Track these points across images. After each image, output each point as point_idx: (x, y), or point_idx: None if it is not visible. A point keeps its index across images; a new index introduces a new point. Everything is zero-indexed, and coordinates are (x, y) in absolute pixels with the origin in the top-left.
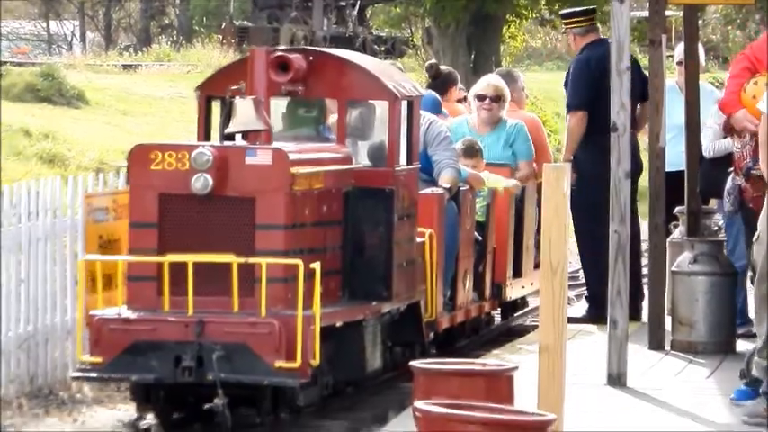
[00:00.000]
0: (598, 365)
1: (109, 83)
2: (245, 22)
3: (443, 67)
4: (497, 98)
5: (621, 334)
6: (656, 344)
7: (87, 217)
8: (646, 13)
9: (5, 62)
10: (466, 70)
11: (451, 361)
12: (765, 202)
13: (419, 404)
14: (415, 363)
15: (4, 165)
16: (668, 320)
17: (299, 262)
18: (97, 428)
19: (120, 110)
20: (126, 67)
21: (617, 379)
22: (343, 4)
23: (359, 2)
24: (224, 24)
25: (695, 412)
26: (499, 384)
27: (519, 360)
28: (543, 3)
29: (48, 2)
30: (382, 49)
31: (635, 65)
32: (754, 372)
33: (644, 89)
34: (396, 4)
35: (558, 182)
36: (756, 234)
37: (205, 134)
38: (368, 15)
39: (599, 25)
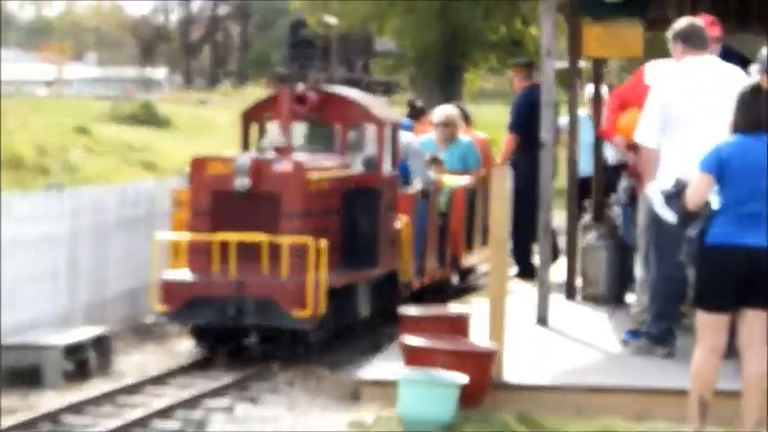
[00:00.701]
0: (529, 311)
1: (188, 112)
2: (283, 70)
3: (418, 103)
4: (448, 123)
5: (546, 289)
6: (571, 296)
7: (174, 206)
8: (566, 64)
9: (120, 98)
10: (438, 104)
11: (426, 308)
12: (640, 205)
13: (404, 339)
14: (401, 309)
15: (116, 168)
16: (579, 280)
17: (311, 240)
18: (179, 353)
19: (196, 131)
20: (200, 101)
21: (543, 320)
22: (353, 57)
23: (365, 56)
24: (268, 71)
25: (597, 344)
26: (459, 325)
27: (472, 309)
28: (495, 58)
29: (146, 55)
30: (380, 89)
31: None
32: (637, 323)
33: None
34: (389, 58)
35: (503, 181)
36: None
37: (246, 148)
38: (370, 65)
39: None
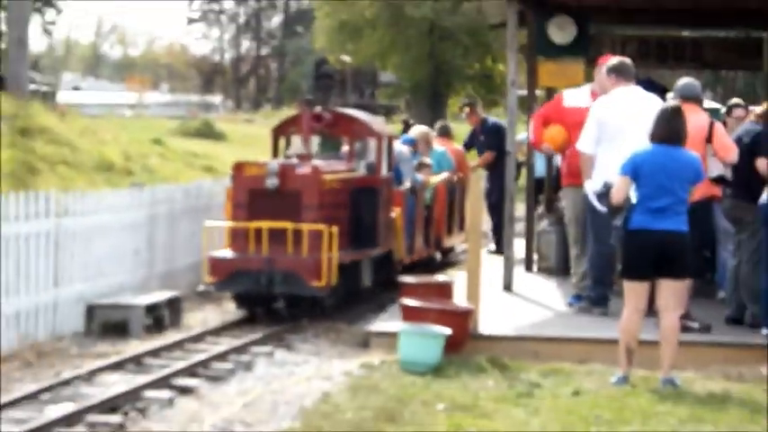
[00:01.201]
0: (497, 280)
1: (238, 129)
2: (310, 96)
3: (411, 121)
4: (420, 139)
5: (510, 263)
6: (529, 268)
7: (226, 200)
8: (525, 92)
9: (186, 117)
10: (428, 123)
11: (419, 278)
12: (566, 200)
13: (403, 301)
14: (401, 278)
15: (183, 171)
16: (535, 256)
17: (325, 227)
18: (231, 312)
19: (244, 143)
20: (247, 120)
21: (508, 287)
22: (363, 87)
23: (372, 86)
24: (299, 97)
25: (549, 305)
26: (445, 290)
27: (454, 278)
28: (471, 87)
29: (206, 85)
30: (383, 111)
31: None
32: (579, 289)
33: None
34: (391, 87)
35: (478, 182)
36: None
37: (275, 155)
38: (376, 93)
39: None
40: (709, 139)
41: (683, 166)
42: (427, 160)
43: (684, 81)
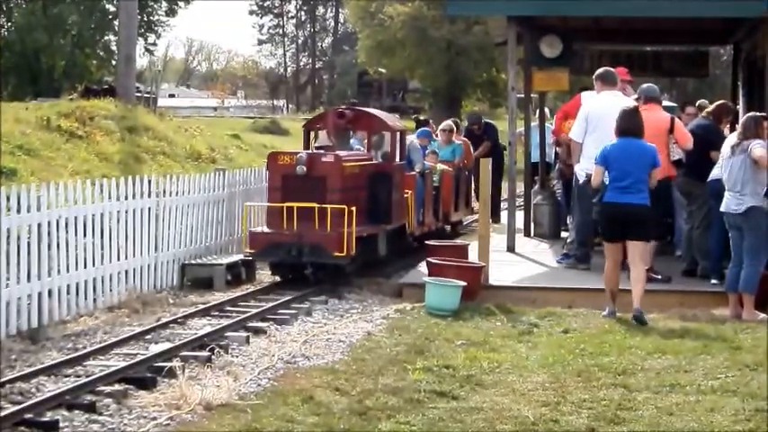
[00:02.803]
0: (502, 243)
1: (297, 126)
2: (354, 100)
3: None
4: (446, 129)
5: (512, 230)
6: (528, 234)
7: None
8: (522, 95)
9: (258, 117)
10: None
11: (441, 241)
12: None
13: (429, 259)
14: (427, 242)
15: (255, 159)
16: (532, 224)
17: (345, 207)
18: (265, 278)
19: (300, 136)
20: (304, 119)
21: (511, 248)
22: (396, 92)
23: (402, 92)
24: (346, 101)
25: (544, 262)
26: (462, 251)
27: (467, 243)
28: (480, 92)
29: (272, 92)
30: (411, 111)
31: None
32: (567, 249)
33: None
34: (417, 92)
35: (487, 166)
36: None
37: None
38: (406, 97)
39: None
40: (671, 131)
41: (641, 154)
42: (435, 149)
43: (647, 86)
